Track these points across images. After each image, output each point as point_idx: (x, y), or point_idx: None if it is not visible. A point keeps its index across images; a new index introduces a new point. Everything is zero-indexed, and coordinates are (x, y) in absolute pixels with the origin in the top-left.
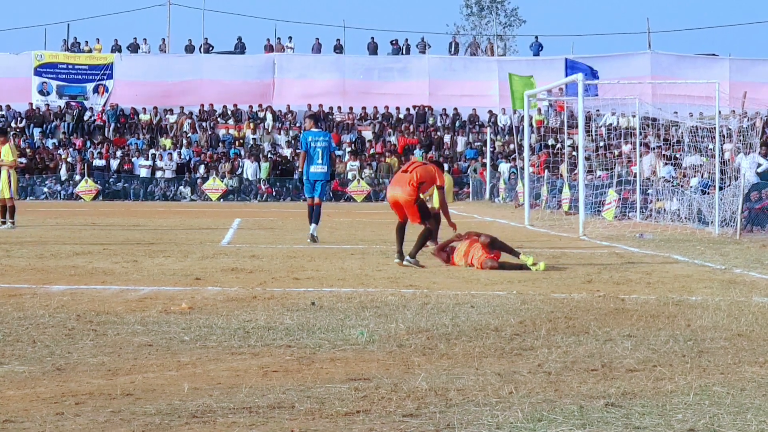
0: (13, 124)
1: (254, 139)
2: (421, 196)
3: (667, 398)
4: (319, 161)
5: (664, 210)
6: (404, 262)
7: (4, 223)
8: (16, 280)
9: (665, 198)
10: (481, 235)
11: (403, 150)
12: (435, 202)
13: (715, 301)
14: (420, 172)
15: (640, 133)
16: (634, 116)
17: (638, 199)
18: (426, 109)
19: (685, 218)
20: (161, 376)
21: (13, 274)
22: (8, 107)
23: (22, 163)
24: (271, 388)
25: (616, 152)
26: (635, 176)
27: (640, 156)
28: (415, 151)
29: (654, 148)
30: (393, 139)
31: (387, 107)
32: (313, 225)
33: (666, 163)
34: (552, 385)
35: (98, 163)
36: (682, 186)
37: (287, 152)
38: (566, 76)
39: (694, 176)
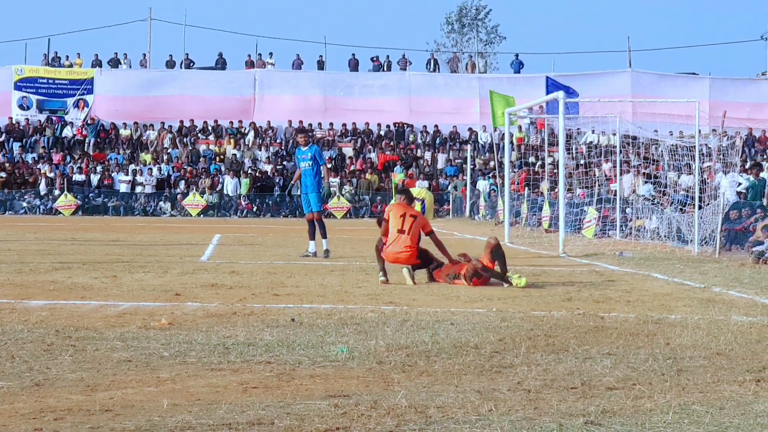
0: None
1: (234, 154)
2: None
3: (647, 417)
4: (311, 175)
5: (644, 228)
6: None
7: None
8: None
9: (645, 216)
10: (472, 260)
11: (383, 167)
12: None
13: (694, 319)
14: (415, 232)
15: (620, 152)
16: (614, 134)
17: (618, 217)
18: (406, 126)
19: (665, 236)
20: (140, 392)
21: None
22: None
23: (1, 177)
24: (251, 405)
25: (597, 170)
26: (615, 194)
27: (620, 174)
28: (395, 168)
29: (635, 166)
30: (373, 155)
31: (368, 124)
32: (324, 240)
33: (646, 182)
34: (532, 402)
35: (78, 177)
36: (661, 204)
37: (267, 168)
38: (547, 94)
39: (674, 194)
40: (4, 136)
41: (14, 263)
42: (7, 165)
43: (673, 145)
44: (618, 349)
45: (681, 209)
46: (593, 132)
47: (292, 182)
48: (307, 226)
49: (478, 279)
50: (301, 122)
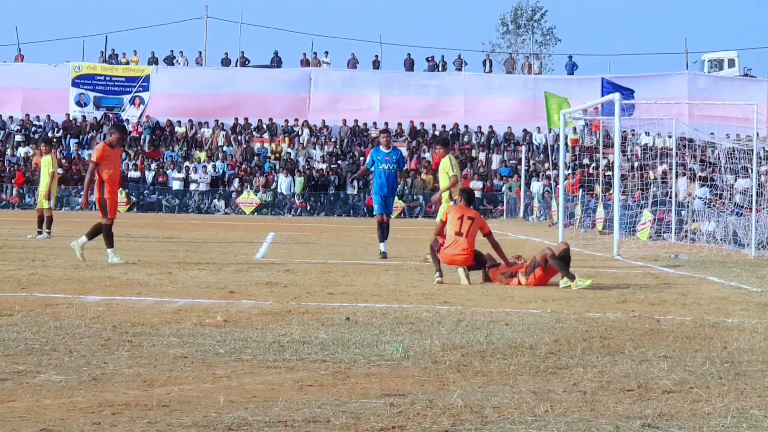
0: (50, 134)
1: (288, 153)
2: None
3: (704, 420)
4: (393, 178)
5: (700, 231)
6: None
7: (41, 233)
8: (52, 290)
9: (701, 219)
10: (544, 249)
11: (437, 167)
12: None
13: (751, 323)
14: (473, 233)
15: (677, 154)
16: (670, 137)
17: (673, 220)
18: (461, 126)
19: (721, 240)
20: (197, 388)
21: (49, 284)
22: (48, 117)
23: (59, 173)
24: (307, 403)
25: (652, 173)
26: (670, 196)
27: (676, 177)
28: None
29: (691, 169)
30: (428, 155)
31: (422, 123)
32: (383, 243)
33: (702, 185)
34: (588, 404)
35: (133, 174)
36: (717, 207)
37: (322, 167)
38: (602, 95)
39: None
40: (61, 132)
41: (71, 259)
42: (64, 161)
43: (730, 148)
44: (674, 352)
45: (738, 212)
46: (648, 134)
47: (356, 175)
48: (377, 226)
49: (543, 270)
50: (356, 121)
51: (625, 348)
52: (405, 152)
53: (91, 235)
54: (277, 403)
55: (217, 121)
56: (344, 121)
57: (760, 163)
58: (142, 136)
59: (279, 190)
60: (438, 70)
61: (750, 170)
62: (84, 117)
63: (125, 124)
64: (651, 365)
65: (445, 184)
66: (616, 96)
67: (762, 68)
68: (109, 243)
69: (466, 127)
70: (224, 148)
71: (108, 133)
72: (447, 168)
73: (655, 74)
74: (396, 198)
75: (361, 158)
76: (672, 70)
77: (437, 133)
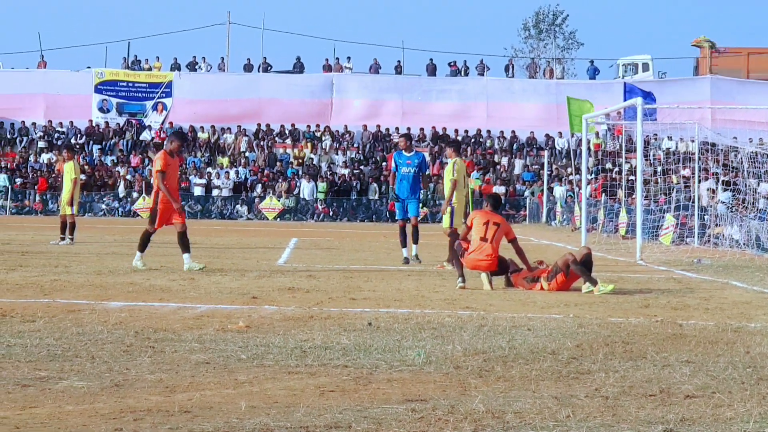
0: (73, 141)
1: (311, 158)
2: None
3: (727, 425)
4: (413, 182)
5: (723, 236)
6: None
7: (63, 239)
8: (75, 296)
9: (724, 223)
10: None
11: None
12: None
13: None
14: (498, 239)
15: (699, 158)
16: (693, 141)
17: (696, 225)
18: (484, 131)
19: (744, 244)
20: (218, 393)
21: (72, 289)
22: (71, 123)
23: (82, 179)
24: (328, 408)
25: (674, 177)
26: (693, 201)
27: (699, 181)
28: (472, 174)
29: (714, 174)
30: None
31: (445, 129)
32: (415, 246)
33: (725, 189)
34: (609, 409)
35: None
36: (740, 212)
37: (344, 172)
38: (624, 100)
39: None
40: (84, 138)
41: (94, 265)
42: (86, 167)
43: (752, 152)
44: (697, 357)
45: (761, 217)
46: (670, 139)
47: (391, 184)
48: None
49: (565, 276)
50: (378, 127)
51: (648, 353)
52: (428, 157)
53: (142, 247)
54: (298, 409)
55: (239, 126)
56: (364, 126)
57: None
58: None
59: (301, 196)
60: (460, 75)
61: None
62: (107, 123)
63: (184, 133)
64: (673, 370)
65: (448, 189)
66: (638, 100)
67: None
68: (142, 248)
69: (489, 132)
70: (247, 154)
71: (168, 141)
72: (449, 172)
73: (678, 78)
74: (419, 201)
75: (383, 163)
76: (695, 74)
77: (459, 138)
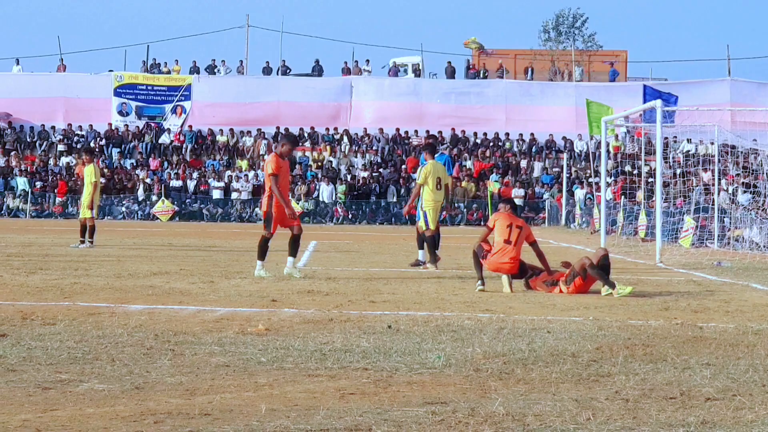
0: (92, 144)
1: (330, 161)
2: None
3: (747, 428)
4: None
5: (742, 238)
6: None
7: (83, 242)
8: (95, 299)
9: (743, 226)
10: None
11: (478, 174)
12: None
13: None
14: (521, 242)
15: (719, 161)
16: (712, 143)
17: (716, 227)
18: (502, 134)
19: (764, 247)
20: (238, 396)
21: (92, 293)
22: (91, 127)
23: (102, 183)
24: (348, 411)
25: (694, 179)
26: (713, 203)
27: (719, 183)
28: (491, 176)
29: (734, 176)
30: (469, 163)
31: (464, 131)
32: (421, 252)
33: (744, 191)
34: (630, 412)
35: (175, 183)
36: (760, 214)
37: (364, 175)
38: (644, 102)
39: None
40: (103, 141)
41: (113, 268)
42: (106, 171)
43: None
44: (717, 360)
45: None
46: (689, 141)
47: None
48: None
49: (583, 279)
50: (397, 129)
51: (668, 355)
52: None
53: (262, 254)
54: (318, 412)
55: (258, 129)
56: (381, 130)
57: None
58: (184, 145)
59: (321, 199)
60: (479, 78)
61: None
62: (126, 126)
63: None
64: (694, 373)
65: (414, 191)
66: (657, 103)
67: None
68: (262, 255)
69: (507, 134)
70: (266, 157)
71: (279, 143)
72: (418, 175)
73: (698, 80)
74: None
75: (403, 167)
76: (714, 76)
77: (478, 141)
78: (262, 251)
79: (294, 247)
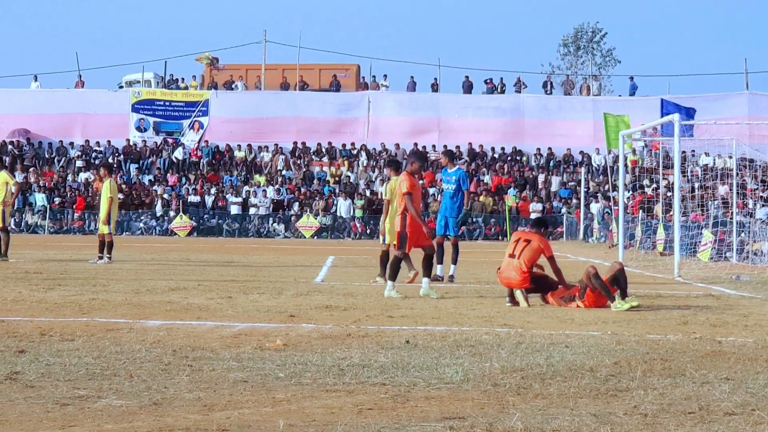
0: (110, 160)
1: (348, 176)
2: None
3: None
4: (452, 198)
5: (761, 252)
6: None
7: (101, 258)
8: (113, 315)
9: (762, 240)
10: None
11: (496, 189)
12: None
13: None
14: (527, 257)
15: (737, 174)
16: (730, 157)
17: (734, 241)
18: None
19: None
20: (256, 412)
21: (110, 308)
22: (109, 143)
23: (120, 198)
24: (366, 426)
25: (712, 193)
26: (731, 217)
27: (737, 197)
28: (509, 191)
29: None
30: (487, 178)
31: (482, 146)
32: (453, 266)
33: (763, 205)
34: (648, 427)
35: (193, 199)
36: None
37: (381, 189)
38: (662, 116)
39: None
40: (121, 157)
41: (132, 283)
42: (124, 186)
43: None
44: (736, 374)
45: None
46: (707, 155)
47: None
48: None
49: (593, 291)
50: (415, 144)
51: (687, 370)
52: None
53: (394, 275)
54: (336, 427)
55: (276, 145)
56: (397, 145)
57: None
58: (201, 161)
59: (338, 214)
60: (497, 92)
61: None
62: (144, 142)
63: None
64: (712, 387)
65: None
66: (675, 117)
67: None
68: (393, 276)
69: (521, 150)
70: (284, 172)
71: (408, 162)
72: (385, 191)
73: (715, 94)
74: (457, 218)
75: (420, 181)
76: (732, 90)
77: (496, 155)
78: (394, 271)
79: (428, 267)
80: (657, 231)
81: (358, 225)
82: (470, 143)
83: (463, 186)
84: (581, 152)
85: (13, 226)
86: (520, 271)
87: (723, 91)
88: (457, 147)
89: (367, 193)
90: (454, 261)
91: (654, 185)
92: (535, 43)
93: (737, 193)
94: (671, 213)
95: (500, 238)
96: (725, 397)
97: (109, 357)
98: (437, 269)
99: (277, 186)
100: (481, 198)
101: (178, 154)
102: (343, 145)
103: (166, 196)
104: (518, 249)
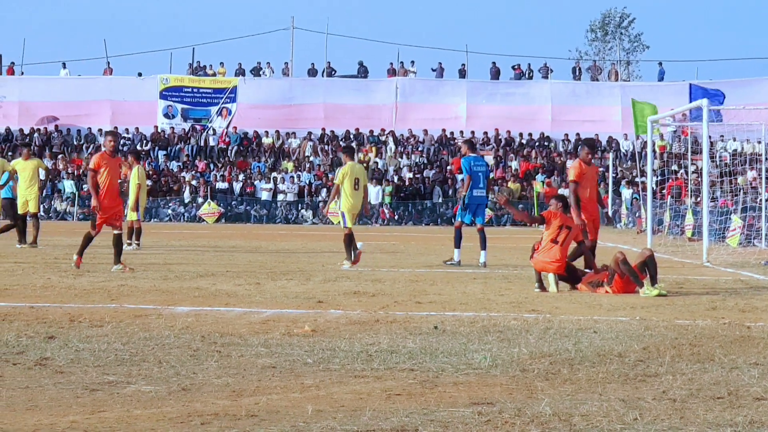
0: (139, 147)
1: (376, 162)
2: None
3: None
4: (481, 185)
5: None
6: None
7: (130, 244)
8: (141, 301)
9: None
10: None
11: (524, 175)
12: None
13: None
14: (568, 243)
15: (766, 159)
16: (759, 142)
17: (764, 226)
18: (548, 134)
19: None
20: (285, 398)
21: (138, 295)
22: (137, 129)
23: (148, 185)
24: (395, 412)
25: (741, 178)
26: (760, 202)
27: (766, 182)
28: (537, 176)
29: None
30: (515, 164)
31: (509, 132)
32: (483, 252)
33: None
34: (677, 412)
35: (221, 185)
36: None
37: (409, 176)
38: (690, 101)
39: None
40: (149, 144)
41: (160, 270)
42: (152, 173)
43: None
44: (765, 359)
45: None
46: (735, 140)
47: (464, 193)
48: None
49: (621, 276)
50: (443, 131)
51: (715, 355)
52: (491, 161)
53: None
54: (365, 413)
55: (305, 131)
56: (425, 131)
57: None
58: (230, 147)
59: (367, 200)
60: (524, 78)
61: None
62: (172, 129)
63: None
64: (741, 372)
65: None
66: (703, 102)
67: None
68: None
69: (552, 135)
70: (311, 159)
71: (581, 148)
72: (337, 175)
73: (744, 79)
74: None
75: (448, 167)
76: (761, 74)
77: (523, 141)
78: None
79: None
80: (685, 216)
81: (386, 211)
82: (497, 129)
83: (488, 174)
84: (610, 138)
85: (42, 213)
86: (560, 259)
87: (751, 76)
88: (485, 133)
89: (395, 179)
90: (484, 247)
91: (682, 171)
92: (562, 29)
93: (766, 178)
94: (700, 198)
95: (528, 224)
96: (754, 382)
97: (138, 343)
98: (455, 253)
99: (301, 173)
100: (509, 184)
101: (211, 141)
102: (371, 132)
103: (194, 182)
104: (562, 236)
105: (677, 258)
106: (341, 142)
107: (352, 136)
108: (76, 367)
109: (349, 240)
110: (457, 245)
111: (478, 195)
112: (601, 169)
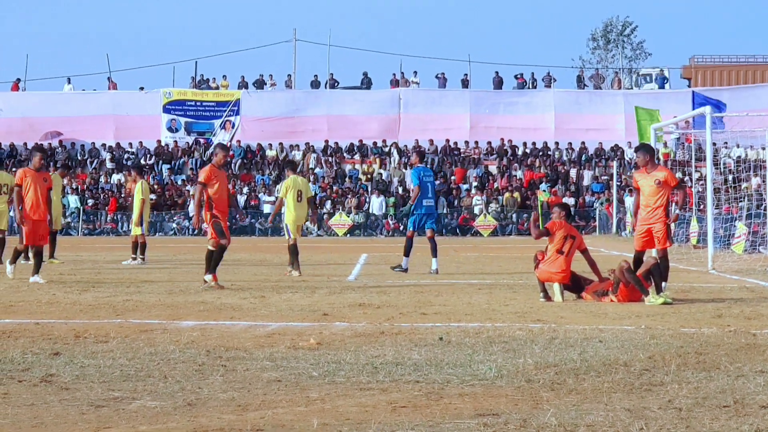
0: (142, 161)
1: (380, 174)
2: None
3: None
4: (430, 195)
5: None
6: None
7: (134, 259)
8: (146, 316)
9: None
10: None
11: (528, 184)
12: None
13: None
14: (573, 253)
15: None
16: (763, 148)
17: None
18: (551, 143)
19: None
20: (290, 411)
21: (143, 309)
22: (141, 144)
23: (152, 199)
24: (400, 424)
25: (744, 185)
26: (765, 209)
27: None
28: (540, 185)
29: None
30: (519, 173)
31: (510, 141)
32: (434, 260)
33: None
34: (683, 421)
35: None
36: None
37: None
38: (693, 109)
39: None
40: (153, 158)
41: (165, 284)
42: (156, 187)
43: None
44: None
45: None
46: (738, 146)
47: (412, 202)
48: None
49: (625, 285)
50: (447, 141)
51: (721, 363)
52: (494, 170)
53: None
54: (370, 425)
55: (307, 143)
56: (430, 141)
57: None
58: (233, 160)
59: (371, 211)
60: (527, 88)
61: None
62: (176, 142)
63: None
64: (747, 380)
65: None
66: (707, 109)
67: None
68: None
69: (557, 143)
70: (315, 170)
71: (637, 155)
72: (280, 189)
73: (746, 85)
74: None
75: (452, 177)
76: (762, 80)
77: (527, 150)
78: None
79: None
80: (690, 224)
81: (390, 222)
82: (501, 138)
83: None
84: (614, 146)
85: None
86: (565, 269)
87: (753, 83)
88: (488, 143)
89: (400, 190)
90: (435, 254)
91: (687, 178)
92: (565, 37)
93: None
94: (704, 206)
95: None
96: (760, 390)
97: (143, 358)
98: (403, 261)
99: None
100: (506, 195)
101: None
102: (374, 143)
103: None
104: (567, 246)
105: (682, 265)
106: (345, 154)
107: (356, 148)
108: (82, 384)
109: (294, 250)
110: (407, 253)
111: (427, 204)
112: (605, 177)
